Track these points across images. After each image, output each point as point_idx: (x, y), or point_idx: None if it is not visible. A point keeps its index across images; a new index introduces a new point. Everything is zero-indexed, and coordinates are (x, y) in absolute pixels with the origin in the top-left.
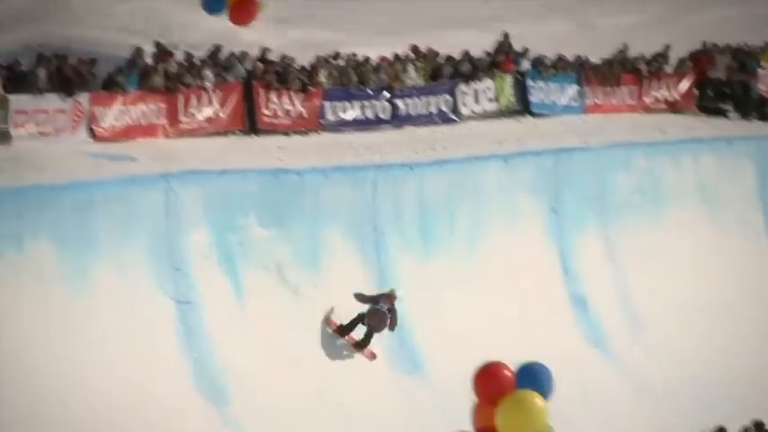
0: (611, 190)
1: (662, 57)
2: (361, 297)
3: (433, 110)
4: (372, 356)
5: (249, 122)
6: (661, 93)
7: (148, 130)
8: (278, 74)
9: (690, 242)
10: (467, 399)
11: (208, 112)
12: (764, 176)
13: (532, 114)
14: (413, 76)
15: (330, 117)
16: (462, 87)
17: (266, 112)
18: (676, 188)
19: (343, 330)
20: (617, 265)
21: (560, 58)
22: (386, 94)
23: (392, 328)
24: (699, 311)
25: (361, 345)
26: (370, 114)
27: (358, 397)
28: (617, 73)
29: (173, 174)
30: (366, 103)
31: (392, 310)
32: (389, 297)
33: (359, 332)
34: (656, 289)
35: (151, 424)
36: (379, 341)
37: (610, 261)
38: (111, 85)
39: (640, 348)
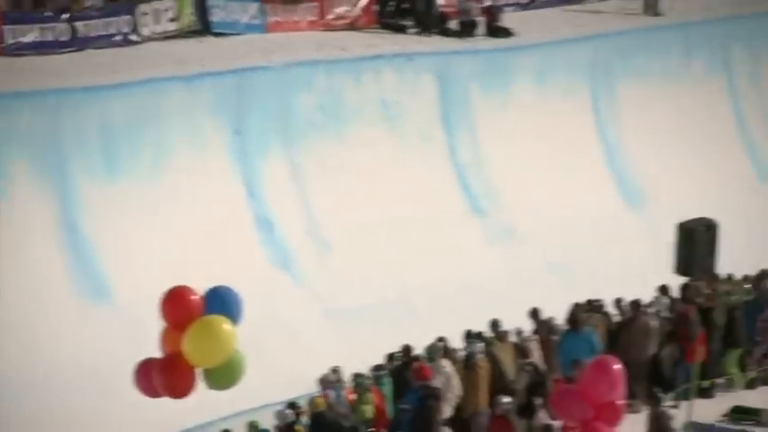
0: (293, 110)
1: None
2: None
3: (114, 31)
4: None
5: None
6: (342, 9)
7: None
8: None
9: (372, 159)
10: (156, 326)
11: None
12: (445, 92)
13: (214, 34)
14: None
15: (9, 40)
16: (142, 7)
17: None
18: (358, 106)
19: None
20: (301, 185)
21: None
22: (65, 15)
23: None
24: (381, 228)
25: None
26: (49, 37)
27: (39, 328)
28: None
29: None
30: (45, 25)
31: None
32: None
33: None
34: (339, 209)
35: None
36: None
37: (294, 182)
38: None
39: (326, 269)
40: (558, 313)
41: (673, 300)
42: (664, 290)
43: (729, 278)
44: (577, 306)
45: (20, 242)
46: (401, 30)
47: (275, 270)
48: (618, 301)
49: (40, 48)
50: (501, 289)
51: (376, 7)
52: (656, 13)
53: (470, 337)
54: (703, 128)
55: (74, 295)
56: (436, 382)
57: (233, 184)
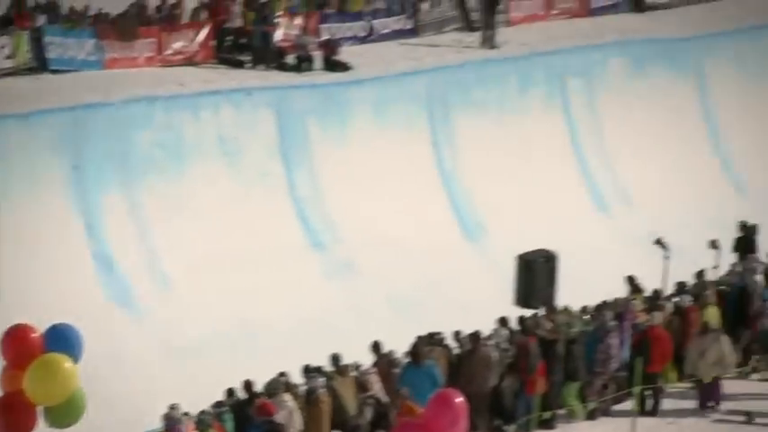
0: (132, 146)
1: (176, 7)
2: None
3: None
4: None
5: None
6: (180, 44)
7: None
8: None
9: (213, 195)
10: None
11: None
12: (284, 127)
13: (51, 71)
14: None
15: None
16: None
17: None
18: (197, 142)
19: None
20: (140, 221)
21: (73, 11)
22: None
23: None
24: (221, 262)
25: None
26: None
27: None
28: (133, 25)
29: None
30: None
31: None
32: None
33: None
34: (179, 244)
35: None
36: None
37: (133, 218)
38: None
39: (166, 305)
40: (399, 346)
41: (512, 331)
42: (503, 322)
43: (566, 309)
44: (419, 339)
45: None
46: (239, 65)
47: (115, 306)
48: (457, 334)
49: None
50: (341, 323)
51: (213, 42)
52: (493, 46)
53: (309, 371)
54: (541, 159)
55: None
56: (279, 418)
57: (72, 220)
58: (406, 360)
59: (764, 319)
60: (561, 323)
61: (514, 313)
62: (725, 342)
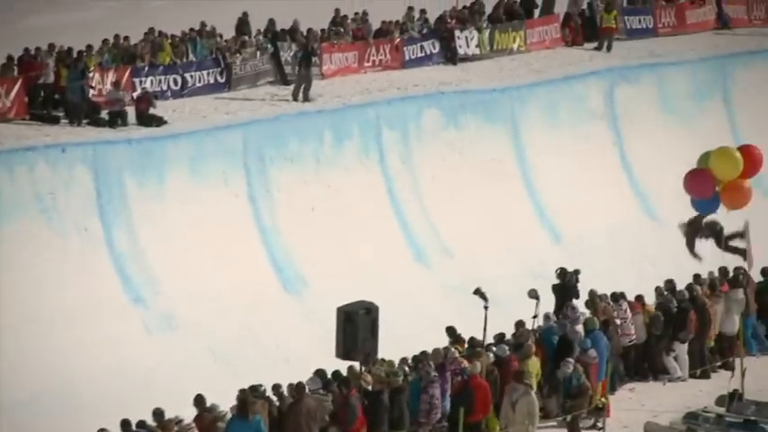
0: None
1: None
2: None
3: None
4: None
5: None
6: None
7: None
8: None
9: (30, 252)
10: None
11: None
12: (100, 182)
13: None
14: None
15: None
16: None
17: None
18: (13, 199)
19: None
20: None
21: None
22: None
23: None
24: (43, 319)
25: None
26: None
27: None
28: None
29: None
30: None
31: None
32: None
33: None
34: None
35: None
36: None
37: None
38: None
39: None
40: (221, 400)
41: (332, 383)
42: (320, 374)
43: (384, 360)
44: (243, 392)
45: None
46: (54, 120)
47: None
48: (276, 388)
49: None
50: (163, 377)
51: (26, 98)
52: (307, 99)
53: (126, 426)
54: (358, 210)
55: None
56: None
57: None
58: (232, 414)
59: (565, 367)
60: (386, 373)
61: (337, 365)
62: (534, 397)
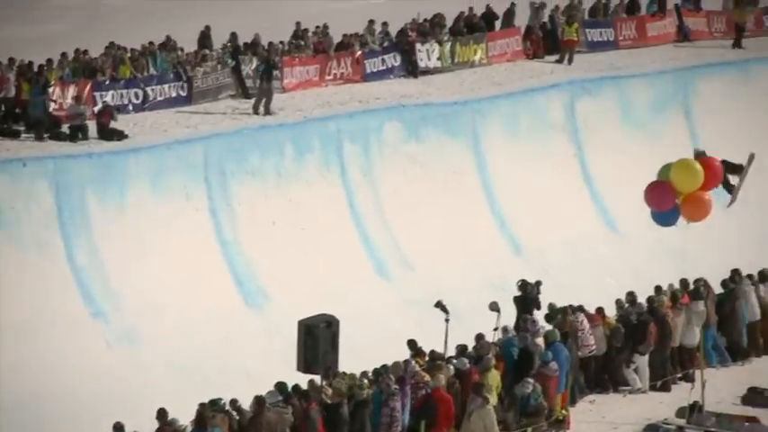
0: None
1: None
2: None
3: None
4: None
5: None
6: None
7: None
8: None
9: None
10: None
11: None
12: (61, 197)
13: None
14: None
15: None
16: None
17: None
18: None
19: None
20: None
21: None
22: None
23: None
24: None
25: None
26: None
27: None
28: None
29: None
30: None
31: None
32: None
33: None
34: None
35: None
36: None
37: None
38: None
39: None
40: (182, 413)
41: (288, 395)
42: (281, 387)
43: (345, 374)
44: (203, 405)
45: None
46: (15, 135)
47: None
48: (234, 402)
49: None
50: (124, 390)
51: None
52: (268, 113)
53: None
54: (320, 223)
55: None
56: None
57: None
58: (191, 428)
59: (524, 387)
60: (350, 386)
61: (298, 379)
62: (491, 409)
